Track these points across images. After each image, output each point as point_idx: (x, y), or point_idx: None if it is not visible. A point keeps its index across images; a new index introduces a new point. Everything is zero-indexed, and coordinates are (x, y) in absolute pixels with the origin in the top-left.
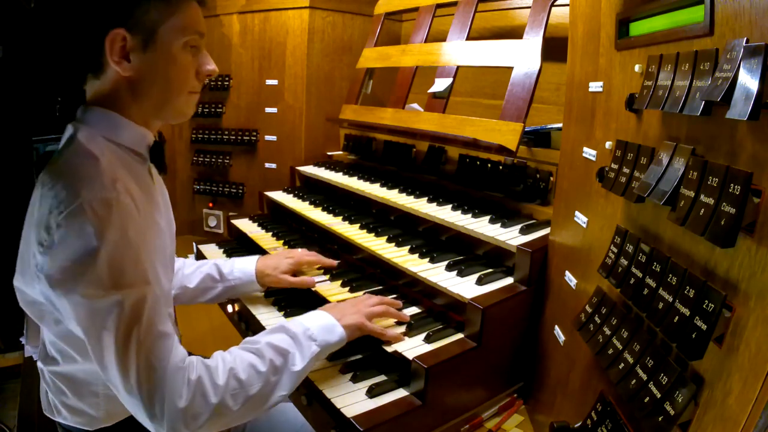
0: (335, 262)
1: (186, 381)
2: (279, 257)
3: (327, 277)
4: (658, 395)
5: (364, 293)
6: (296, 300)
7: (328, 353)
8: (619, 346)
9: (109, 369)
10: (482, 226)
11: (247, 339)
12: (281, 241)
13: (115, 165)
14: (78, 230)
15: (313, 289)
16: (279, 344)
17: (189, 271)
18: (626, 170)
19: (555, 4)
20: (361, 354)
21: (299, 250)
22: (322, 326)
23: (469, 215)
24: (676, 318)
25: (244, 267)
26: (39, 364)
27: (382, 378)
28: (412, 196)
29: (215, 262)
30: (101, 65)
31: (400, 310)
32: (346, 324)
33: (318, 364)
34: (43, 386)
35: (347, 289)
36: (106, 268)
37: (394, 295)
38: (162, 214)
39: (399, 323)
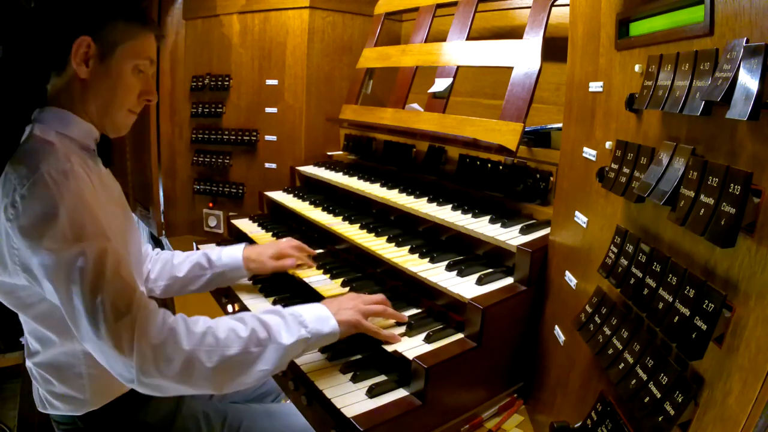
0: (316, 252)
1: (158, 322)
2: (265, 246)
3: (327, 276)
4: (658, 395)
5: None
6: (297, 299)
7: (319, 344)
8: (619, 346)
9: (80, 322)
10: (482, 226)
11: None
12: None
13: (68, 149)
14: (39, 195)
15: (313, 287)
16: (266, 320)
17: (178, 261)
18: (626, 170)
19: (555, 4)
20: (361, 354)
21: (284, 239)
22: (315, 316)
23: (469, 215)
24: (676, 318)
25: (231, 253)
26: (26, 362)
27: (382, 378)
28: (412, 196)
29: (204, 251)
30: (64, 65)
31: (400, 310)
32: (341, 319)
33: (318, 363)
34: (34, 384)
35: (347, 289)
36: (68, 223)
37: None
38: (116, 201)
39: (398, 324)
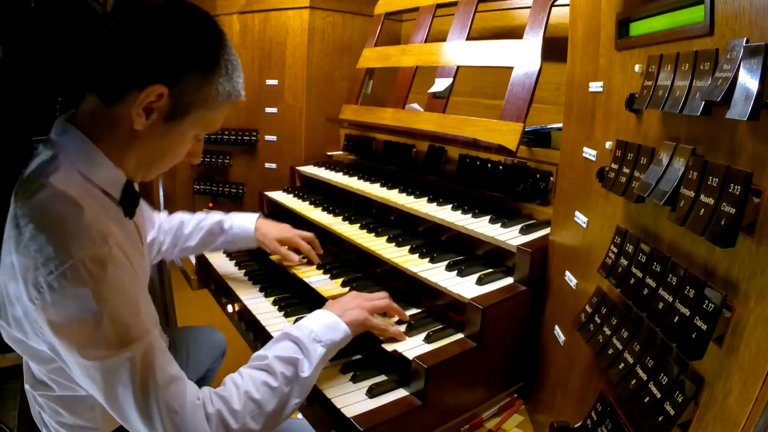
0: (322, 251)
1: (206, 416)
2: (282, 228)
3: (327, 276)
4: (658, 395)
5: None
6: (297, 299)
7: (335, 352)
8: (619, 346)
9: (132, 421)
10: (482, 226)
11: (255, 355)
12: None
13: (98, 214)
14: (75, 293)
15: (313, 287)
16: (286, 354)
17: (188, 230)
18: (626, 170)
19: (555, 4)
20: (361, 354)
21: (299, 232)
22: (325, 325)
23: (469, 215)
24: (676, 318)
25: (243, 224)
26: (27, 387)
27: (382, 378)
28: (412, 196)
29: (217, 219)
30: (118, 98)
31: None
32: (349, 320)
33: None
34: (35, 408)
35: (347, 288)
36: (112, 329)
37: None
38: (140, 250)
39: (399, 323)
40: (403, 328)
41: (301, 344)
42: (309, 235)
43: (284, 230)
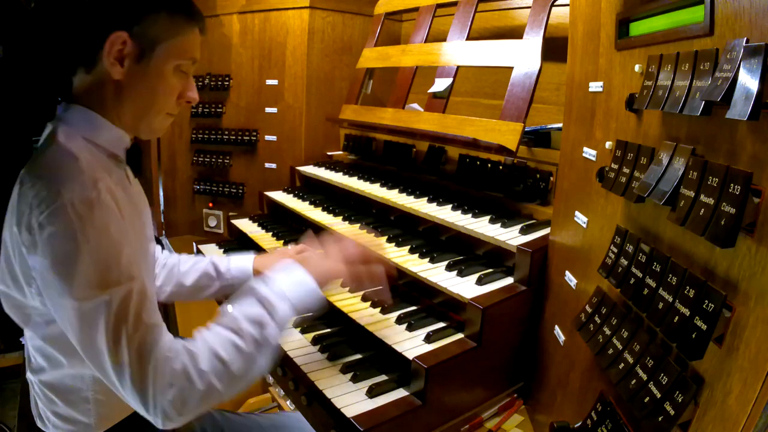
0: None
1: (172, 371)
2: (273, 257)
3: None
4: (658, 395)
5: (364, 293)
6: None
7: (305, 306)
8: (619, 346)
9: (104, 368)
10: (482, 226)
11: (224, 310)
12: (281, 241)
13: (94, 165)
14: (60, 231)
15: None
16: (254, 314)
17: (185, 269)
18: (626, 170)
19: (555, 4)
20: (361, 354)
21: (290, 246)
22: (293, 281)
23: (469, 215)
24: (676, 318)
25: (241, 266)
26: (28, 374)
27: (382, 378)
28: (412, 196)
29: (211, 260)
30: (95, 61)
31: (400, 310)
32: (318, 271)
33: (318, 364)
34: (33, 396)
35: (347, 288)
36: (93, 269)
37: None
38: (141, 216)
39: (399, 322)
40: (403, 326)
41: (267, 303)
42: (300, 247)
43: (280, 257)
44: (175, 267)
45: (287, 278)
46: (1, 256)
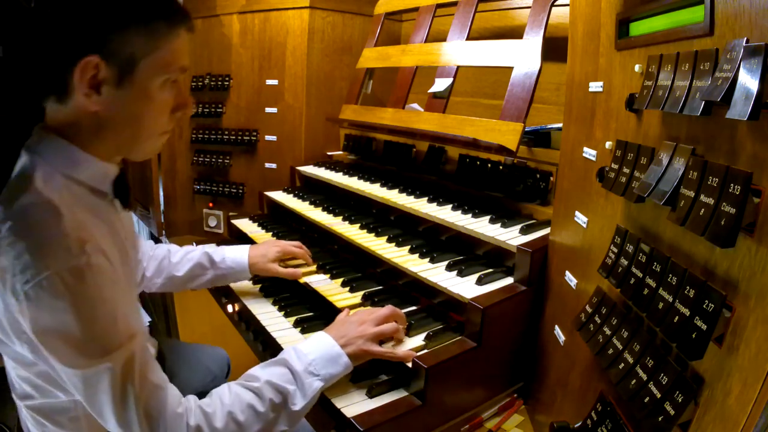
0: (309, 253)
1: (186, 428)
2: (267, 245)
3: (327, 276)
4: (658, 395)
5: (364, 293)
6: (296, 299)
7: (334, 382)
8: (619, 346)
9: (110, 423)
10: (482, 226)
11: (248, 373)
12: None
13: (79, 219)
14: (51, 305)
15: (313, 287)
16: (279, 382)
17: (176, 260)
18: (626, 170)
19: (555, 4)
20: None
21: (284, 241)
22: (325, 357)
23: (470, 215)
24: (676, 318)
25: (235, 257)
26: (14, 397)
27: (382, 378)
28: (412, 196)
29: (205, 250)
30: (65, 90)
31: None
32: (352, 352)
33: None
34: (23, 419)
35: (347, 288)
36: (90, 341)
37: (389, 295)
38: (129, 261)
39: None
40: (409, 345)
41: (296, 375)
42: (296, 243)
43: (273, 247)
44: (165, 259)
45: (319, 350)
46: None
